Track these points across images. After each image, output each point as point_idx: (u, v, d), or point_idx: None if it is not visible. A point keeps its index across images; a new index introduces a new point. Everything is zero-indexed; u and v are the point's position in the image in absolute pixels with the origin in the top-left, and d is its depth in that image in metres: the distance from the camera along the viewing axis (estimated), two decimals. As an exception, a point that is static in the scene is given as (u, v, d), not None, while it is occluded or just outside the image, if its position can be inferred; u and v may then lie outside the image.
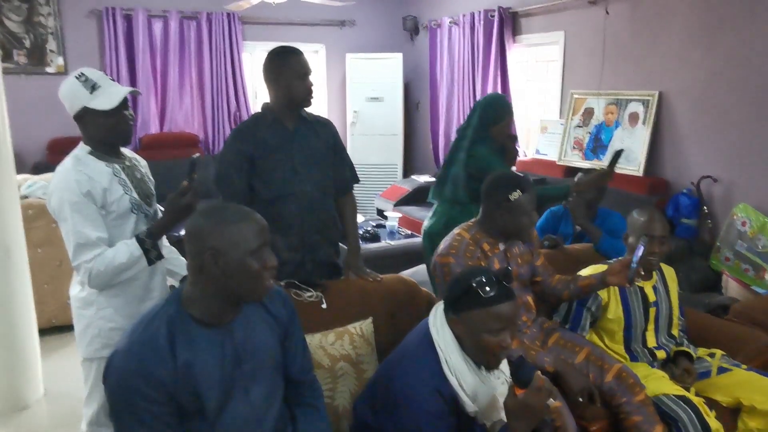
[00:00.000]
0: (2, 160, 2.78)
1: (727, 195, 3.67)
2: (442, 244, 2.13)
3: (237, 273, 1.32)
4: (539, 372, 1.49)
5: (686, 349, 2.31)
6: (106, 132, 1.79)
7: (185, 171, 1.76)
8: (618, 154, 2.71)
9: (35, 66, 5.34)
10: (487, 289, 1.50)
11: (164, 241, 2.12)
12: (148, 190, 1.94)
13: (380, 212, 5.69)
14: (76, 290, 1.86)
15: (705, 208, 3.72)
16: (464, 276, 1.58)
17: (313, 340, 1.94)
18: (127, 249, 1.73)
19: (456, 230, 2.16)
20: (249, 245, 1.32)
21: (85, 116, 1.77)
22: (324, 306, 2.09)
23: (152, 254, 1.77)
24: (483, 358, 1.57)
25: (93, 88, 1.75)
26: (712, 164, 3.74)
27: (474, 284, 1.51)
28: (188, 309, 1.36)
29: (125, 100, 1.80)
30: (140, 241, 1.74)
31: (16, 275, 2.86)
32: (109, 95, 1.76)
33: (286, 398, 1.57)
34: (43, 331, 3.56)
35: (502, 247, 2.14)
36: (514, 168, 3.09)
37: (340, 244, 2.44)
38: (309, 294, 2.11)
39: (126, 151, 1.95)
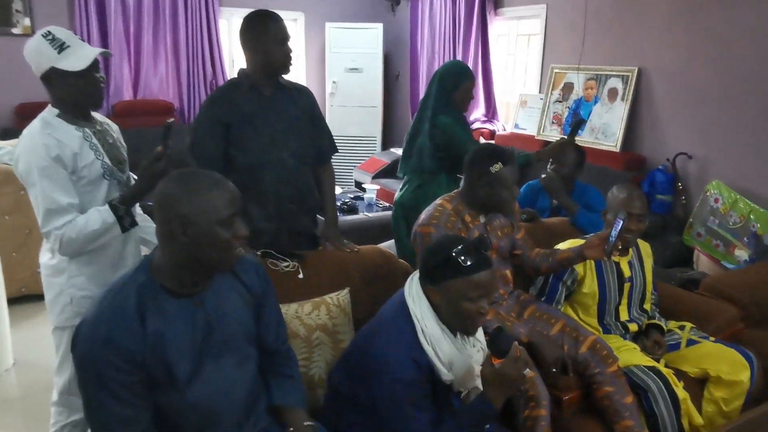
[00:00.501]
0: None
1: (702, 172, 3.72)
2: (424, 214, 2.12)
3: (206, 242, 1.29)
4: (516, 342, 1.50)
5: (657, 322, 2.35)
6: (75, 94, 1.73)
7: (160, 137, 1.71)
8: (579, 124, 2.72)
9: (0, 27, 5.13)
10: (466, 258, 1.50)
11: (138, 209, 2.08)
12: (120, 156, 1.89)
13: (358, 184, 5.67)
14: (47, 258, 1.81)
15: (680, 184, 3.77)
16: (441, 246, 1.58)
17: (289, 310, 1.93)
18: (100, 216, 1.68)
19: (438, 201, 2.16)
20: (219, 214, 1.29)
21: (52, 77, 1.70)
22: (301, 276, 2.07)
23: (126, 221, 1.72)
24: (461, 325, 1.57)
25: (61, 47, 1.68)
26: (688, 141, 3.78)
27: (453, 254, 1.51)
28: (158, 278, 1.33)
29: (96, 61, 1.73)
30: (113, 207, 1.70)
31: (-17, 243, 2.79)
32: (79, 56, 1.69)
33: (260, 368, 1.56)
34: (13, 301, 3.51)
35: (482, 219, 2.14)
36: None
37: (318, 215, 2.42)
38: (285, 264, 2.09)
39: (97, 115, 1.89)
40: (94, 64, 1.73)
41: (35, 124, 1.71)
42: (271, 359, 1.59)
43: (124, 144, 1.97)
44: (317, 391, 1.92)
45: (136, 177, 1.80)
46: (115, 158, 1.85)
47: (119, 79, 5.51)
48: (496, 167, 2.00)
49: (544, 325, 2.13)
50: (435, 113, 2.88)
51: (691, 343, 2.28)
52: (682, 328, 2.36)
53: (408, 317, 1.57)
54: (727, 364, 2.14)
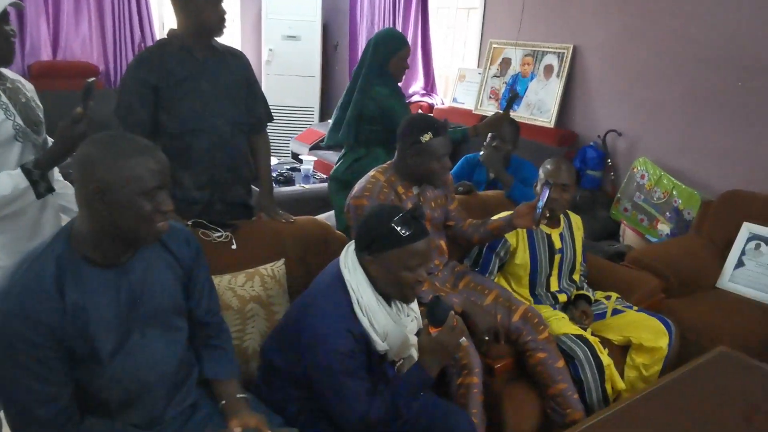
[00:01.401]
0: None
1: (630, 149, 3.84)
2: (357, 186, 2.10)
3: (125, 212, 1.21)
4: (453, 312, 1.52)
5: (585, 293, 2.44)
6: None
7: (80, 97, 1.60)
8: (513, 98, 2.76)
9: None
10: (404, 228, 1.51)
11: (57, 175, 1.96)
12: (35, 117, 1.75)
13: (295, 156, 5.58)
14: (-48, 226, 1.68)
15: (609, 160, 3.88)
16: (379, 217, 1.56)
17: (222, 281, 1.88)
18: (11, 180, 1.56)
19: (371, 172, 2.14)
20: (143, 184, 1.21)
21: None
22: (234, 247, 2.02)
23: (41, 186, 1.61)
24: (400, 294, 1.58)
25: None
26: (618, 119, 3.89)
27: (392, 225, 1.50)
28: (78, 247, 1.26)
29: (5, 12, 1.59)
30: (27, 171, 1.58)
31: None
32: None
33: (191, 341, 1.51)
34: None
35: (415, 190, 2.14)
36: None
37: (252, 185, 2.36)
38: (218, 234, 2.03)
39: (7, 72, 1.75)
40: (3, 16, 1.59)
41: None
42: (203, 331, 1.55)
43: (39, 105, 1.84)
44: (251, 364, 1.89)
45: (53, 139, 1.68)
46: (29, 119, 1.71)
47: (36, 38, 5.13)
48: (426, 137, 2.00)
49: (478, 296, 2.17)
50: (369, 83, 2.81)
51: (615, 312, 2.38)
52: (608, 298, 2.46)
53: (343, 288, 1.56)
54: (648, 332, 2.25)
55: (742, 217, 2.97)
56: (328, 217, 3.29)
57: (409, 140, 2.03)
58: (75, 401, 1.28)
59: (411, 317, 1.69)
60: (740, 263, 2.89)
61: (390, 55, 2.80)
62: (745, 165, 3.27)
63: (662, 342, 2.22)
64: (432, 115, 4.29)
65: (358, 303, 1.55)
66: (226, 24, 2.08)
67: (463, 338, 1.60)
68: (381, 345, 1.57)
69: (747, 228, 2.93)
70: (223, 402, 1.46)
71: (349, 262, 1.60)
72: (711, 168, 3.43)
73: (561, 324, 2.23)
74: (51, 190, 1.66)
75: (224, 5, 2.06)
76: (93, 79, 1.61)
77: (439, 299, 1.54)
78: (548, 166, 2.34)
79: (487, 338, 2.02)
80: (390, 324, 1.58)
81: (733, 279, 2.89)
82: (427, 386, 1.56)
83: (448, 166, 2.11)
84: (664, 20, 3.58)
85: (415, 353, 1.70)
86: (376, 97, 2.78)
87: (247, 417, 1.40)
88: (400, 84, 2.93)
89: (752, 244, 2.90)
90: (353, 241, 1.66)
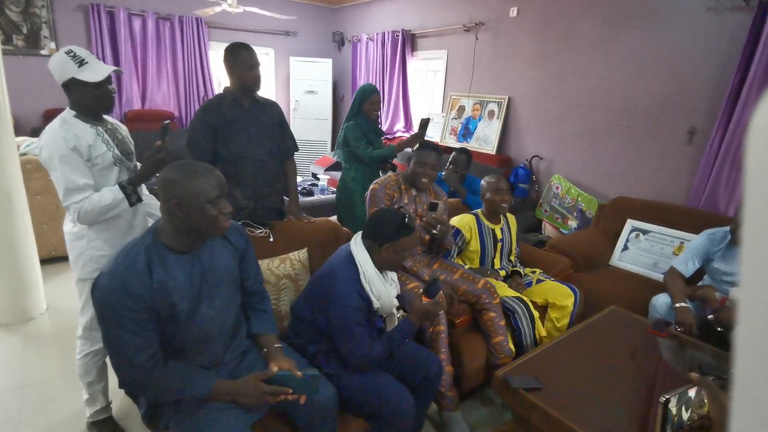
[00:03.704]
0: (2, 123, 2.40)
1: (548, 168, 3.88)
2: (378, 180, 2.19)
3: (198, 216, 1.22)
4: (441, 292, 1.57)
5: (518, 269, 2.45)
6: (91, 100, 1.57)
7: (159, 134, 1.60)
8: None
9: (31, 49, 4.62)
10: (410, 223, 1.59)
11: (145, 190, 1.94)
12: (128, 149, 1.74)
13: (314, 175, 5.55)
14: (69, 226, 1.66)
15: (534, 177, 3.92)
16: (392, 217, 1.60)
17: (263, 263, 1.87)
18: (111, 193, 1.55)
19: (391, 174, 2.23)
20: (208, 195, 1.21)
21: (71, 85, 1.53)
22: (271, 239, 2.01)
23: (132, 198, 1.60)
24: (395, 267, 1.63)
25: (81, 63, 1.52)
26: (540, 147, 3.93)
27: (406, 221, 1.58)
28: (162, 240, 1.25)
29: (109, 77, 1.58)
30: (122, 187, 1.57)
31: (17, 216, 2.53)
32: (96, 70, 1.54)
33: (242, 305, 1.51)
34: (46, 261, 3.23)
35: (414, 192, 2.18)
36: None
37: (284, 196, 2.35)
38: (260, 231, 2.02)
39: (108, 117, 1.73)
40: (107, 79, 1.58)
41: (56, 122, 1.55)
42: (251, 298, 1.54)
43: (131, 140, 1.82)
44: (284, 322, 1.88)
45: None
46: (124, 150, 1.70)
47: (130, 93, 5.11)
48: (416, 148, 2.13)
49: (448, 273, 2.18)
50: (346, 119, 2.86)
51: (539, 281, 2.39)
52: (534, 272, 2.48)
53: (353, 263, 1.57)
54: (559, 295, 2.26)
55: (626, 215, 3.00)
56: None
57: (414, 153, 2.14)
58: (161, 350, 1.27)
59: (393, 286, 1.70)
60: (625, 247, 2.92)
61: (363, 100, 2.81)
62: (628, 178, 3.30)
63: (569, 302, 2.23)
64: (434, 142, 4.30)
65: (364, 274, 1.55)
66: (260, 82, 2.05)
67: (443, 311, 1.64)
68: (376, 303, 1.58)
69: (630, 223, 2.96)
70: (265, 350, 1.46)
71: (358, 246, 1.61)
72: (605, 181, 3.46)
73: (504, 289, 2.24)
74: (140, 200, 1.65)
75: (260, 69, 2.04)
76: (168, 121, 1.60)
77: (437, 281, 1.57)
78: (490, 180, 2.36)
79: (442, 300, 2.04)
80: (382, 289, 1.59)
81: (620, 258, 2.91)
82: (411, 334, 1.57)
83: (429, 174, 2.11)
84: (571, 79, 3.62)
85: (395, 312, 1.71)
86: (345, 129, 2.82)
87: (282, 361, 1.40)
88: (374, 120, 2.88)
89: (634, 234, 2.93)
90: (360, 232, 1.67)
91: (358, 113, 2.83)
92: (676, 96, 3.00)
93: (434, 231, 2.02)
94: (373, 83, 5.57)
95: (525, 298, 2.16)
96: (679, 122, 3.00)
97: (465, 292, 2.08)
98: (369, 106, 2.82)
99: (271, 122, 2.15)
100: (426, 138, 2.77)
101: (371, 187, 2.13)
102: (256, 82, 2.03)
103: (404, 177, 2.18)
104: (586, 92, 3.52)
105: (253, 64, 1.99)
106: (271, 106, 2.18)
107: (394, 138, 5.32)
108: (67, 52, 1.52)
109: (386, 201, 2.12)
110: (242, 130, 2.04)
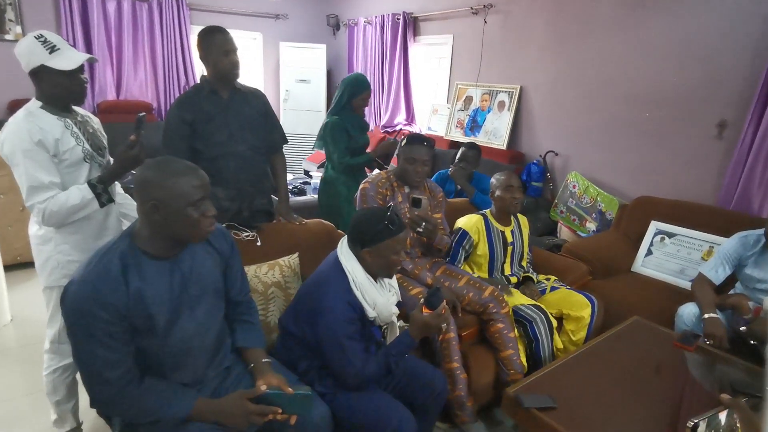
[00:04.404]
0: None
1: (564, 165, 3.87)
2: (367, 178, 2.18)
3: (178, 221, 1.21)
4: (444, 303, 1.55)
5: (530, 275, 2.45)
6: (61, 90, 1.57)
7: (134, 128, 1.59)
8: (393, 143, 2.74)
9: (-6, 33, 4.61)
10: (393, 224, 1.55)
11: (118, 188, 1.94)
12: (100, 143, 1.73)
13: (306, 172, 5.54)
14: (35, 229, 1.65)
15: (548, 174, 3.91)
16: (374, 218, 1.57)
17: (249, 270, 1.87)
18: (79, 192, 1.55)
19: (383, 172, 2.23)
20: (190, 197, 1.21)
21: (40, 73, 1.53)
22: (259, 243, 2.01)
23: (103, 198, 1.59)
24: (387, 272, 1.62)
25: (52, 49, 1.52)
26: (555, 142, 3.92)
27: (386, 222, 1.54)
28: (139, 244, 1.24)
29: (82, 65, 1.58)
30: (92, 186, 1.57)
31: (-21, 218, 2.52)
32: (69, 58, 1.54)
33: (227, 316, 1.50)
34: (10, 267, 3.23)
35: (406, 189, 2.18)
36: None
37: (273, 195, 2.34)
38: (246, 234, 2.02)
39: (78, 109, 1.72)
40: (80, 67, 1.57)
41: (19, 114, 1.54)
42: (236, 308, 1.53)
43: (104, 134, 1.81)
44: (272, 335, 1.88)
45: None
46: (95, 145, 1.69)
47: (103, 82, 5.09)
48: (404, 143, 2.12)
49: (452, 280, 2.17)
50: (331, 112, 2.82)
51: (553, 289, 2.39)
52: (548, 279, 2.48)
53: (341, 271, 1.57)
54: (575, 305, 2.26)
55: (650, 216, 3.00)
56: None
57: (400, 146, 2.12)
58: (136, 365, 1.26)
59: (392, 292, 1.69)
60: (649, 252, 2.92)
61: (355, 95, 2.78)
62: (652, 176, 3.30)
63: (585, 313, 2.22)
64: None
65: (354, 282, 1.55)
66: (238, 69, 2.02)
67: (445, 325, 1.64)
68: (371, 312, 1.57)
69: (654, 225, 2.96)
70: (252, 365, 1.45)
71: (344, 252, 1.61)
72: (626, 179, 3.46)
73: (519, 297, 2.24)
74: (111, 200, 1.64)
75: (237, 55, 2.01)
76: (143, 113, 1.60)
77: (439, 290, 1.55)
78: (501, 177, 2.36)
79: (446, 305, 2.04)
80: (377, 296, 1.58)
81: (644, 264, 2.91)
82: (411, 348, 1.57)
83: (420, 170, 2.11)
84: (589, 67, 3.62)
85: (396, 321, 1.70)
86: (325, 125, 2.80)
87: (270, 377, 1.39)
88: (360, 115, 2.88)
89: (658, 237, 2.93)
90: (345, 236, 1.66)
91: (345, 107, 2.80)
92: (705, 85, 3.00)
93: (419, 229, 2.03)
94: (372, 71, 5.60)
95: (542, 305, 2.16)
96: (707, 114, 3.00)
97: (471, 301, 2.08)
98: (360, 101, 2.80)
99: (255, 114, 2.13)
100: (414, 132, 2.74)
101: (361, 186, 2.12)
102: (232, 69, 2.00)
103: (395, 174, 2.18)
104: (605, 81, 3.51)
105: (228, 50, 1.96)
106: (254, 96, 2.16)
107: (394, 132, 5.32)
108: (38, 37, 1.52)
109: (378, 201, 2.11)
110: (222, 125, 2.03)
